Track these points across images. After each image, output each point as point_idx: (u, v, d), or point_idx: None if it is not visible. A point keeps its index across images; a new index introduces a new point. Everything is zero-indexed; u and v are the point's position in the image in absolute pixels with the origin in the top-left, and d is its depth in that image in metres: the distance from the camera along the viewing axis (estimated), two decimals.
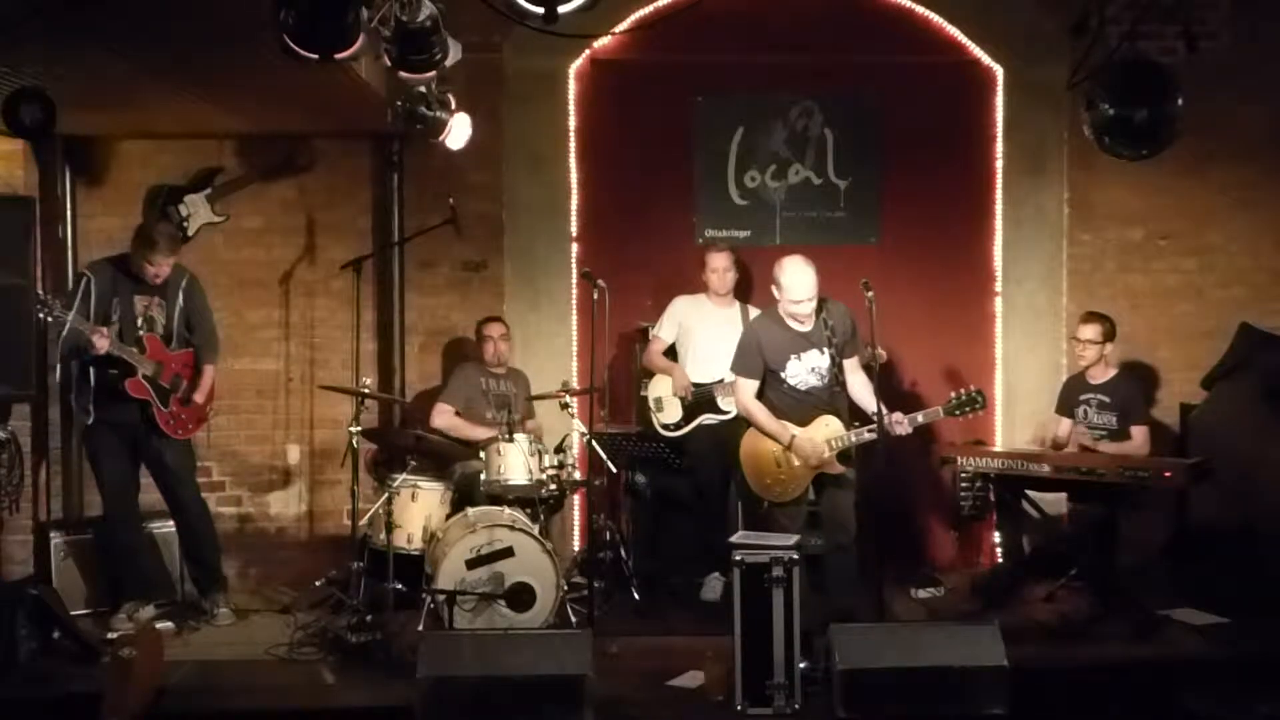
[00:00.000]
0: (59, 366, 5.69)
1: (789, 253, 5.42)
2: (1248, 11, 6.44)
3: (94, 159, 6.52)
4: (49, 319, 5.24)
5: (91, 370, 5.42)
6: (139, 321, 5.49)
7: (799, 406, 5.22)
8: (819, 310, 5.18)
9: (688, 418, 5.99)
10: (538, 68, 6.57)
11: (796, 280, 5.10)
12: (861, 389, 5.24)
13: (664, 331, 6.15)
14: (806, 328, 5.21)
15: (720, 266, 6.02)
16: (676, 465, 5.82)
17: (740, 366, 5.32)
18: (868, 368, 5.24)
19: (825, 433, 5.15)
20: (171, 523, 5.98)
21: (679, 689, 4.69)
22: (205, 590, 5.71)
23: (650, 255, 6.66)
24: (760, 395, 5.28)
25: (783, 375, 5.22)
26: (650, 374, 6.18)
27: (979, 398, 5.10)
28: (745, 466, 5.37)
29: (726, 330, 6.01)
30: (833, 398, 5.22)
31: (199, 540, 5.74)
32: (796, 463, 5.16)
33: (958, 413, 5.15)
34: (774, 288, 5.22)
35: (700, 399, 5.97)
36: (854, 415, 5.25)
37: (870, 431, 5.03)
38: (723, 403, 5.94)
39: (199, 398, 5.62)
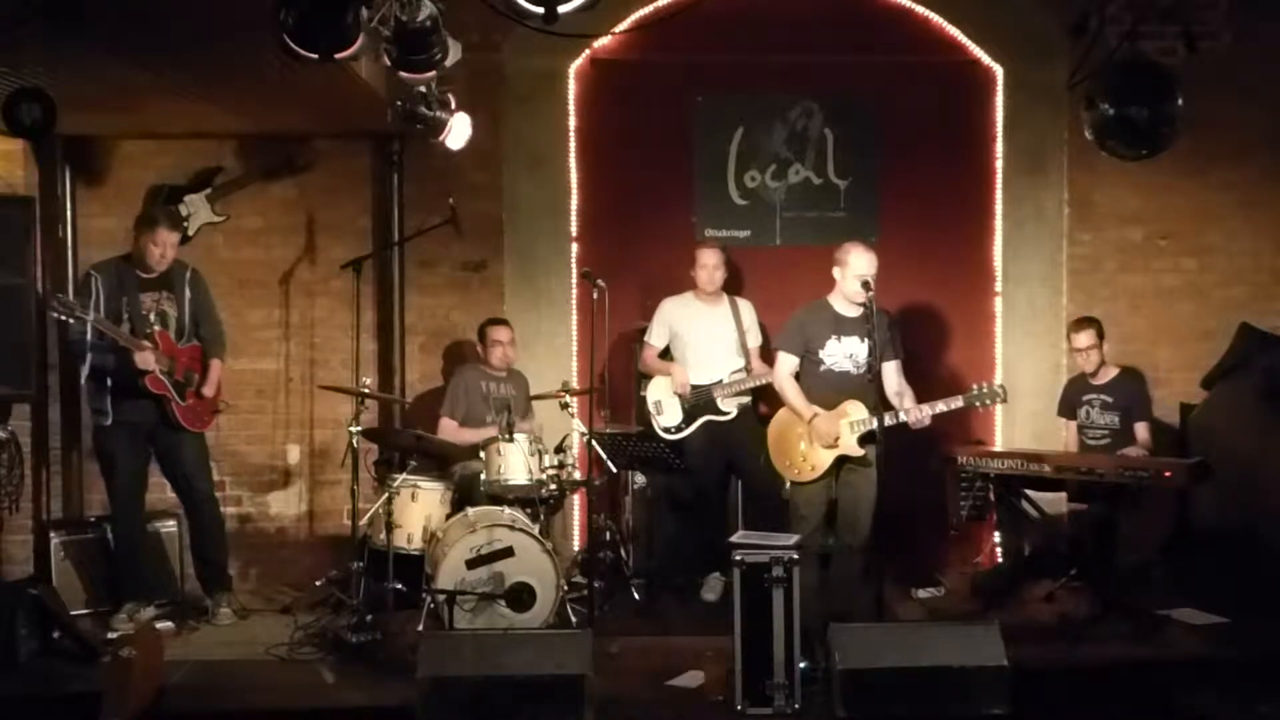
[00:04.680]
0: (84, 367, 5.51)
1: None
2: (1248, 11, 6.44)
3: (94, 159, 6.53)
4: (69, 320, 5.21)
5: (108, 372, 5.41)
6: (150, 317, 5.51)
7: (830, 390, 5.33)
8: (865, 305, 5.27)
9: (688, 420, 5.98)
10: (538, 68, 6.56)
11: (862, 258, 5.27)
12: (896, 388, 5.36)
13: (655, 337, 6.13)
14: (854, 313, 5.31)
15: (710, 263, 6.02)
16: (677, 466, 5.81)
17: (782, 342, 5.52)
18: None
19: (848, 416, 5.26)
20: (172, 521, 6.02)
21: (679, 689, 4.68)
22: (210, 589, 5.72)
23: (650, 255, 6.65)
24: (797, 379, 5.43)
25: (820, 355, 5.36)
26: (648, 377, 6.18)
27: (1000, 391, 5.26)
28: (771, 445, 5.51)
29: (718, 329, 6.02)
30: (865, 387, 5.25)
31: (209, 538, 5.75)
32: (818, 444, 5.27)
33: (978, 403, 5.29)
34: (835, 269, 5.36)
35: (700, 400, 5.96)
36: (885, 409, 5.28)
37: (889, 417, 5.14)
38: (722, 404, 5.93)
39: (208, 391, 5.62)
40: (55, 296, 5.25)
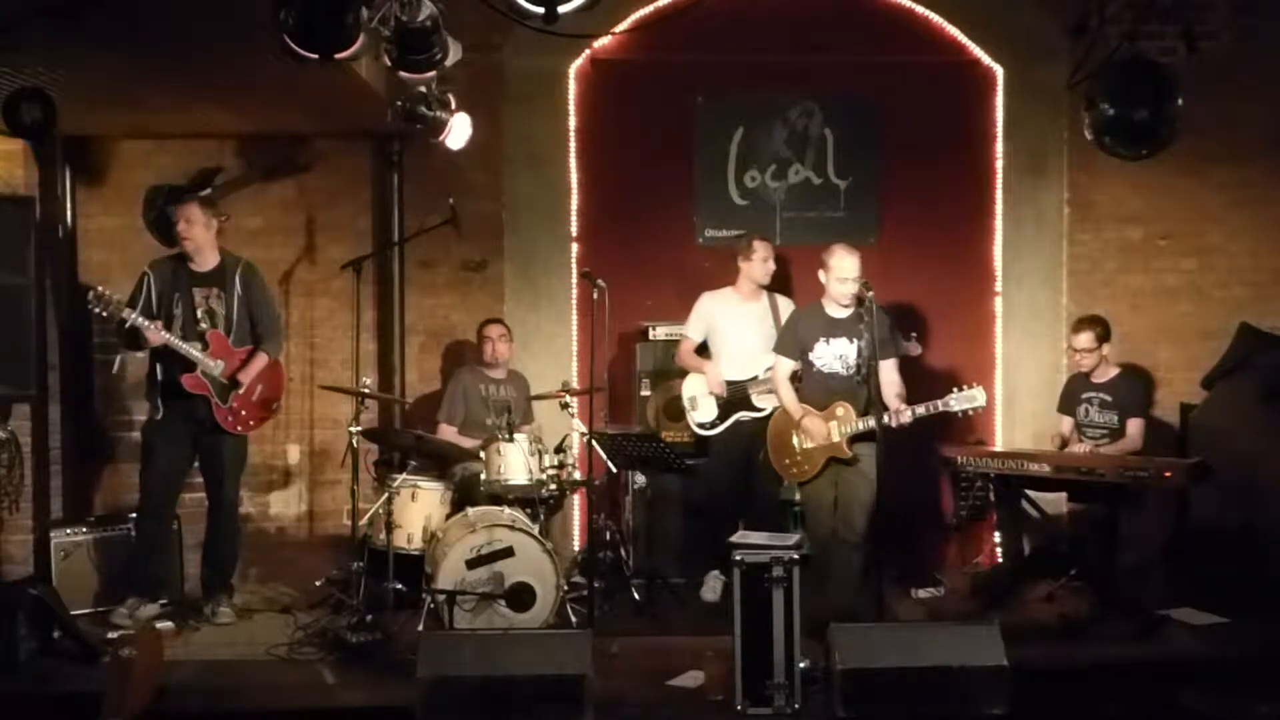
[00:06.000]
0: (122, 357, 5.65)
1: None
2: (1248, 11, 6.45)
3: (94, 159, 6.53)
4: (103, 313, 5.24)
5: (159, 366, 5.45)
6: (199, 314, 5.51)
7: (820, 390, 5.41)
8: (859, 304, 5.28)
9: (723, 416, 5.98)
10: (538, 68, 6.57)
11: (843, 261, 5.34)
12: (889, 388, 5.36)
13: (693, 331, 6.12)
14: (843, 314, 5.37)
15: (768, 255, 6.01)
16: (677, 466, 5.81)
17: (778, 345, 5.63)
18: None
19: (836, 417, 5.32)
20: (173, 521, 6.00)
21: (679, 689, 4.68)
22: (211, 593, 5.70)
23: (650, 255, 6.66)
24: (798, 380, 5.53)
25: (810, 357, 5.43)
26: (684, 373, 6.15)
27: (978, 394, 5.22)
28: (770, 445, 5.62)
29: (757, 325, 6.01)
30: (855, 388, 5.31)
31: (223, 543, 5.74)
32: (810, 445, 5.35)
33: (957, 407, 5.24)
34: (821, 272, 5.42)
35: (735, 396, 5.96)
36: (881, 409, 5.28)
37: (875, 420, 5.12)
38: (757, 400, 5.93)
39: (243, 378, 5.52)
40: (94, 290, 5.23)
